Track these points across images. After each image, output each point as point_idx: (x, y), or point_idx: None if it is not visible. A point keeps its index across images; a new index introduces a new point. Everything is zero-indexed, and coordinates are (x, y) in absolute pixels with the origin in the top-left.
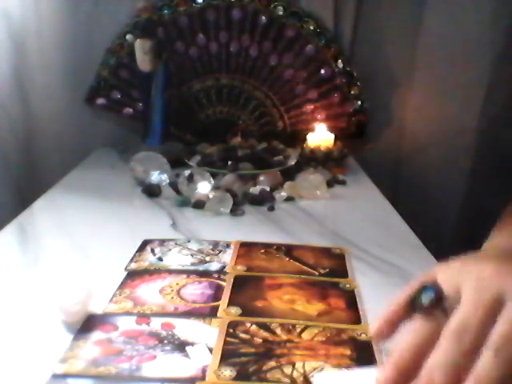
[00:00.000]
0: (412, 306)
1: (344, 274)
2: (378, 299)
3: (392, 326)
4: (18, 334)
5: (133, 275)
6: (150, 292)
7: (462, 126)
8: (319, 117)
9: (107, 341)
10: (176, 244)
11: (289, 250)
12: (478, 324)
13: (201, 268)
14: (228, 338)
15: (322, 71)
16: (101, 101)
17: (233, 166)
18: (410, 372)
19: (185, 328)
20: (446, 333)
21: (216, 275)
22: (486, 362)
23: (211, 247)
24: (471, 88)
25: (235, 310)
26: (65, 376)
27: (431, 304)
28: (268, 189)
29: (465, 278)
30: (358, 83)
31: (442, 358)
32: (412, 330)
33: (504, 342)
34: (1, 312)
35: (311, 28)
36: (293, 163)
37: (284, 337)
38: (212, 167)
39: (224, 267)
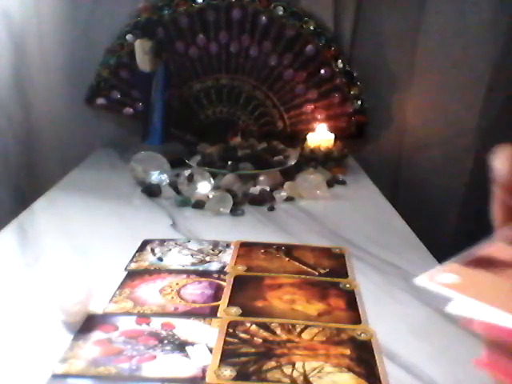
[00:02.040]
0: None
1: (344, 274)
2: (378, 299)
3: None
4: (18, 333)
5: (133, 275)
6: (150, 292)
7: (461, 126)
8: (319, 117)
9: (107, 341)
10: (176, 244)
11: (289, 250)
12: None
13: (201, 268)
14: (228, 338)
15: (322, 71)
16: (101, 101)
17: (233, 165)
18: None
19: (185, 328)
20: None
21: (216, 275)
22: None
23: (211, 247)
24: (471, 88)
25: (235, 310)
26: (65, 376)
27: None
28: (268, 189)
29: None
30: (358, 83)
31: None
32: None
33: None
34: (1, 312)
35: (311, 28)
36: (293, 163)
37: (284, 337)
38: (212, 167)
39: (224, 267)
